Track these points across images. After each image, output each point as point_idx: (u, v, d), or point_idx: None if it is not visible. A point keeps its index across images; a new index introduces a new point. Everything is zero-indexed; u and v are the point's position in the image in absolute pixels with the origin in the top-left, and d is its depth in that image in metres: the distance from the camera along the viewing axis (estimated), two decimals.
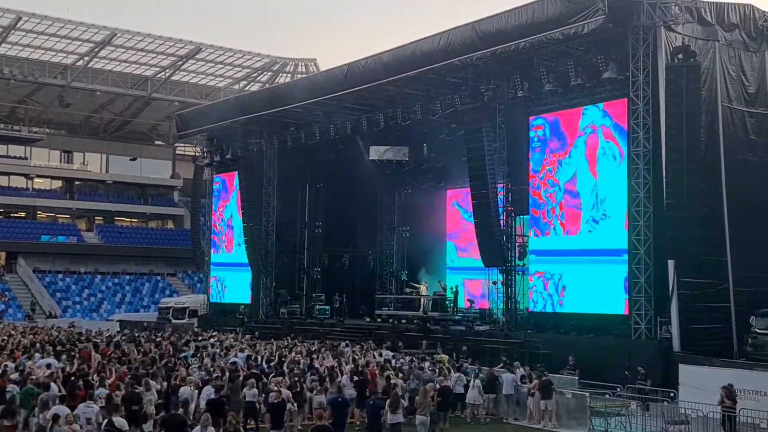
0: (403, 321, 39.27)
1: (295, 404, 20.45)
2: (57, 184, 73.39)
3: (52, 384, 18.93)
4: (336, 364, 24.96)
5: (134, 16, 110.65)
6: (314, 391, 21.11)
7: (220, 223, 52.93)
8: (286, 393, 19.69)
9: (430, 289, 40.78)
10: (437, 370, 24.55)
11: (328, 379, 22.34)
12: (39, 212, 70.68)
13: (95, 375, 21.20)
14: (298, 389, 21.04)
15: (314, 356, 27.70)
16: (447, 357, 28.87)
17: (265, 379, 22.29)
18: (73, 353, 27.11)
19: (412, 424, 19.48)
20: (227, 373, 22.43)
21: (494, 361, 28.62)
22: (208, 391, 19.33)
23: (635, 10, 28.82)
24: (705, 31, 29.82)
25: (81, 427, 15.83)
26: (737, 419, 19.89)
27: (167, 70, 67.75)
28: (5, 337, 33.87)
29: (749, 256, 29.45)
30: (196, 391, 19.73)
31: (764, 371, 22.90)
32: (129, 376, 20.59)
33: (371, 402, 18.75)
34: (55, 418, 15.78)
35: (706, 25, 29.84)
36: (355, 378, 22.53)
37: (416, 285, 42.00)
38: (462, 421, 23.34)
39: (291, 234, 50.02)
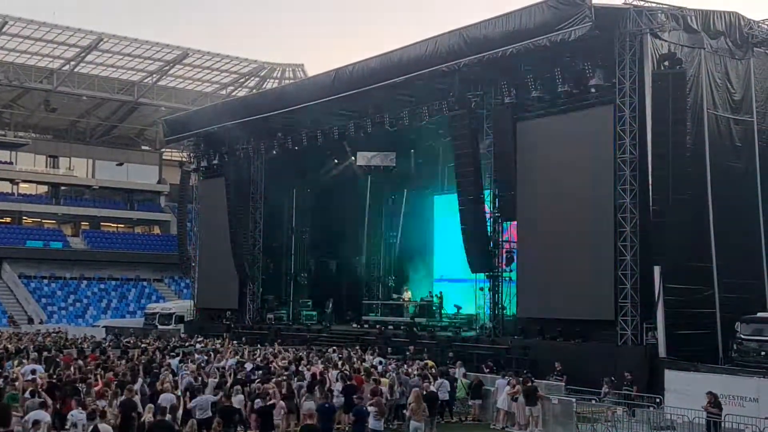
0: (390, 327, 39.29)
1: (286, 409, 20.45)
2: (43, 189, 73.08)
3: (36, 390, 18.86)
4: (323, 370, 24.96)
5: (121, 21, 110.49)
6: (303, 397, 21.10)
7: None
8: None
9: (416, 297, 40.83)
10: (424, 376, 24.52)
11: (318, 385, 22.32)
12: (25, 217, 70.29)
13: (81, 382, 21.10)
14: (286, 394, 21.00)
15: (300, 362, 27.66)
16: (432, 362, 28.87)
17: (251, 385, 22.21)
18: (57, 359, 27.03)
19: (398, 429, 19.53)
20: (215, 379, 22.38)
21: (481, 367, 28.67)
22: (209, 399, 19.36)
23: (621, 17, 28.97)
24: (691, 39, 29.98)
25: None
26: (722, 425, 19.98)
27: (154, 75, 67.61)
28: None
29: (735, 263, 29.59)
30: (183, 397, 19.70)
31: (749, 377, 22.99)
32: (115, 383, 20.48)
33: (363, 408, 18.74)
34: (35, 423, 15.67)
35: (691, 32, 30.00)
36: (342, 384, 22.54)
37: (401, 296, 42.07)
38: (449, 426, 23.33)
39: (278, 239, 49.98)
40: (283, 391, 20.92)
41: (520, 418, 23.30)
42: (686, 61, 28.89)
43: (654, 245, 27.75)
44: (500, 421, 23.65)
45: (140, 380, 21.41)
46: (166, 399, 18.78)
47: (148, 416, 16.81)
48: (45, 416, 16.28)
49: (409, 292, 41.09)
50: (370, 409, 18.67)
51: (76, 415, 16.23)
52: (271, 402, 18.77)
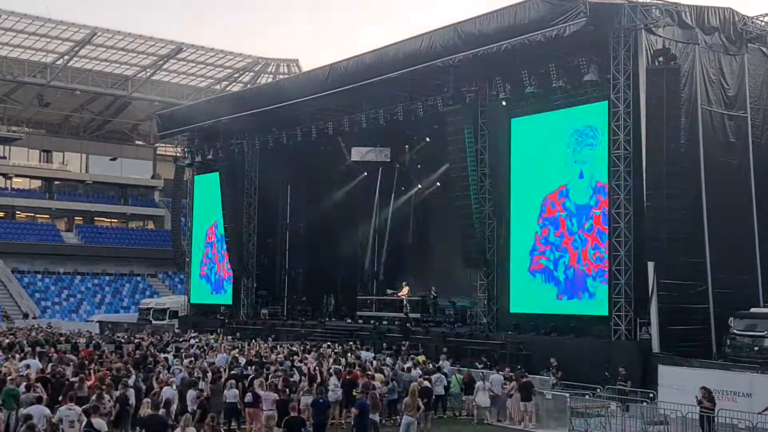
0: (385, 322, 39.28)
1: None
2: (36, 183, 72.92)
3: (31, 385, 18.85)
4: (318, 365, 25.00)
5: (115, 15, 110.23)
6: (302, 393, 21.17)
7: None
8: (266, 394, 19.73)
9: (413, 292, 40.88)
10: (420, 371, 24.58)
11: (316, 380, 22.40)
12: (18, 212, 70.17)
13: (74, 376, 21.07)
14: (283, 389, 21.03)
15: (295, 357, 27.71)
16: (424, 357, 28.97)
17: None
18: (50, 354, 27.00)
19: (394, 425, 19.64)
20: (209, 374, 22.41)
21: (474, 363, 28.73)
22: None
23: (616, 12, 28.97)
24: (685, 34, 29.99)
25: (62, 431, 15.66)
26: (716, 420, 20.03)
27: (148, 70, 67.43)
28: None
29: (728, 258, 29.63)
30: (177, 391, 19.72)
31: (743, 372, 23.07)
32: (109, 377, 20.47)
33: (365, 401, 18.80)
34: (27, 418, 15.62)
35: (686, 28, 30.01)
36: (339, 379, 22.60)
37: (396, 291, 42.04)
38: (443, 421, 23.36)
39: (272, 235, 49.94)
40: (280, 386, 20.95)
41: (514, 413, 23.38)
42: (680, 57, 28.91)
43: (648, 241, 27.79)
44: (488, 416, 23.79)
45: (133, 375, 21.43)
46: (167, 393, 18.83)
47: (146, 410, 16.78)
48: (44, 410, 16.23)
49: (407, 288, 41.11)
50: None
51: (63, 411, 16.17)
52: (285, 396, 18.70)
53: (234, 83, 72.08)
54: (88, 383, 19.99)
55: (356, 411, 18.29)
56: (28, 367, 22.43)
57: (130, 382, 19.82)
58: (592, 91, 31.09)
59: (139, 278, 68.55)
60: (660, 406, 21.97)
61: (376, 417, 18.90)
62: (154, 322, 51.06)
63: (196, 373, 22.66)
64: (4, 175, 69.94)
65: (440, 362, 27.12)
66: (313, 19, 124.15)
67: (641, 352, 27.60)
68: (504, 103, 34.03)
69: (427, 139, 42.38)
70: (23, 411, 16.20)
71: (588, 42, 29.96)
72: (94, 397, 17.44)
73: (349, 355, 28.79)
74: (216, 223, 50.34)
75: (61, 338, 36.11)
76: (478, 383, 24.07)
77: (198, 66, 68.29)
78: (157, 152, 77.90)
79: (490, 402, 23.84)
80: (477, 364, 28.25)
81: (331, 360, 26.97)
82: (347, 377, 22.83)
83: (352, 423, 18.32)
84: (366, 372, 23.46)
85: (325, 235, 49.43)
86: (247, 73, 71.63)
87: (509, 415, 23.64)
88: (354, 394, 21.25)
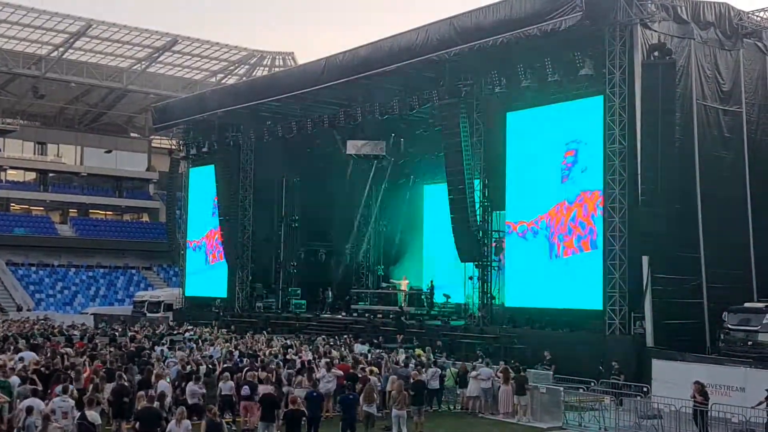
0: (380, 315, 39.31)
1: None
2: (31, 176, 72.76)
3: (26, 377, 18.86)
4: (312, 359, 25.00)
5: (110, 7, 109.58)
6: (295, 385, 21.16)
7: None
8: (263, 387, 19.74)
9: (409, 286, 40.96)
10: (413, 364, 24.59)
11: (306, 373, 22.36)
12: (12, 204, 70.07)
13: (69, 369, 21.05)
14: (274, 382, 21.04)
15: (288, 350, 27.72)
16: (421, 351, 28.97)
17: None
18: (45, 347, 26.98)
19: (388, 417, 19.69)
20: (203, 367, 22.42)
21: (470, 356, 28.76)
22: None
23: (612, 7, 28.94)
24: (681, 29, 30.00)
25: (56, 422, 15.66)
26: (709, 414, 20.08)
27: (143, 62, 67.24)
28: None
29: (722, 253, 29.72)
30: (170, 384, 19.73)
31: (736, 367, 23.11)
32: (104, 370, 20.46)
33: (350, 396, 18.87)
34: (29, 410, 15.67)
35: (682, 23, 30.02)
36: (329, 372, 22.62)
37: (396, 281, 42.04)
38: (437, 415, 23.38)
39: (267, 228, 49.91)
40: (273, 378, 20.98)
41: (507, 406, 23.37)
42: (676, 52, 28.92)
43: (642, 235, 27.83)
44: (477, 408, 23.86)
45: (135, 368, 21.45)
46: (161, 386, 18.83)
47: (143, 403, 16.79)
48: (39, 404, 16.24)
49: (407, 280, 41.15)
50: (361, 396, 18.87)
51: (57, 402, 16.19)
52: (269, 391, 18.74)
53: (229, 76, 71.94)
54: (85, 375, 19.97)
55: (341, 406, 18.50)
56: (21, 359, 22.42)
57: (126, 375, 19.83)
58: (588, 85, 31.10)
59: (133, 271, 68.47)
60: (654, 400, 22.01)
61: (373, 409, 18.98)
62: (148, 314, 51.06)
63: (190, 366, 22.64)
64: None
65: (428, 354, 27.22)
66: (308, 12, 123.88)
67: (635, 347, 27.67)
68: (499, 97, 34.01)
69: (423, 133, 42.33)
70: (24, 403, 16.22)
71: (583, 36, 29.96)
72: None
73: (342, 348, 28.78)
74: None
75: (56, 330, 36.09)
76: (470, 373, 24.15)
77: (193, 58, 68.11)
78: (152, 144, 77.74)
79: (479, 392, 23.90)
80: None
81: (323, 352, 26.98)
82: (351, 371, 22.81)
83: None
84: (359, 365, 23.49)
85: (319, 229, 49.44)
86: (242, 65, 71.47)
87: (503, 407, 23.66)
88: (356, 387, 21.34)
